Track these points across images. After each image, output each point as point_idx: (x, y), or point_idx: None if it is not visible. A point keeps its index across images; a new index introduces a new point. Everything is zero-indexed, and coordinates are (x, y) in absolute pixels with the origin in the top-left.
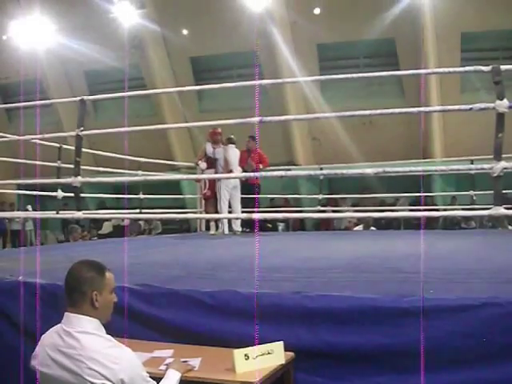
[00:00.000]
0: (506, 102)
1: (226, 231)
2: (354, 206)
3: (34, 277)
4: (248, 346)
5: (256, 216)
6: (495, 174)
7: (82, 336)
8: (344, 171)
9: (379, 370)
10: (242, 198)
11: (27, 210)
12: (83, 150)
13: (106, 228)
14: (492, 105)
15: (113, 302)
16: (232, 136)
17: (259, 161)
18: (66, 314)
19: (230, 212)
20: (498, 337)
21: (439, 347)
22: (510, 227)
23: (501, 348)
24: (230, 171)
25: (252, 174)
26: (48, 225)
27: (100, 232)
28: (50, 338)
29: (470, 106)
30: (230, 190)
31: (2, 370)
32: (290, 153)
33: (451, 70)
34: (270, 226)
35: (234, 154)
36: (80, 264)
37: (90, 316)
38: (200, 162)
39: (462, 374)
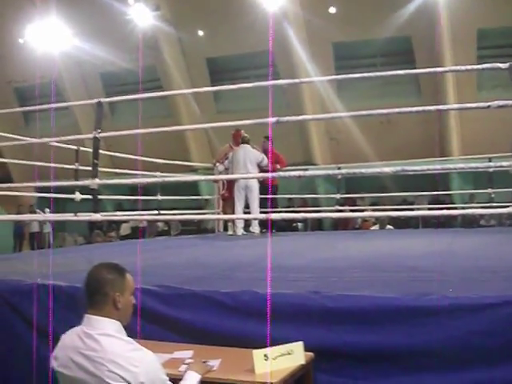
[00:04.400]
0: None
1: (239, 233)
2: (373, 205)
3: (53, 279)
4: (267, 347)
5: (273, 216)
6: None
7: (103, 338)
8: (363, 170)
9: (400, 370)
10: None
11: (45, 213)
12: (101, 151)
13: (124, 230)
14: (511, 102)
15: (132, 304)
16: (245, 135)
17: (276, 161)
18: (86, 316)
19: (247, 213)
20: None
21: (460, 347)
22: None
23: None
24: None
25: (267, 175)
26: (66, 227)
27: (121, 234)
28: (70, 340)
29: (489, 104)
30: (242, 191)
31: (20, 371)
32: (307, 152)
33: (469, 67)
34: (295, 225)
35: (243, 153)
36: (100, 266)
37: (112, 318)
38: (218, 163)
39: (484, 373)
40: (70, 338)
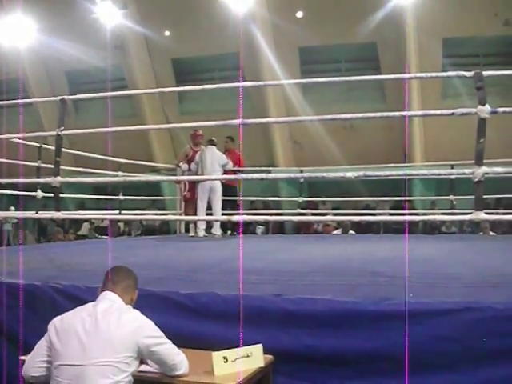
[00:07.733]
0: (487, 107)
1: (201, 234)
2: (335, 210)
3: (14, 277)
4: (227, 349)
5: (236, 218)
6: (476, 179)
7: (112, 302)
8: (325, 174)
9: (360, 374)
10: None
11: (8, 210)
12: (64, 150)
13: (85, 229)
14: (474, 110)
15: None
16: (213, 138)
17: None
18: (103, 292)
19: (210, 215)
20: (479, 341)
21: (420, 351)
22: (491, 233)
23: (481, 352)
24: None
25: (232, 176)
26: (28, 225)
27: (79, 233)
28: (78, 309)
29: (452, 111)
30: (206, 193)
31: None
32: (270, 156)
33: (434, 74)
34: (254, 228)
35: (211, 155)
36: (127, 268)
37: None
38: (181, 163)
39: (443, 378)
40: (78, 309)
